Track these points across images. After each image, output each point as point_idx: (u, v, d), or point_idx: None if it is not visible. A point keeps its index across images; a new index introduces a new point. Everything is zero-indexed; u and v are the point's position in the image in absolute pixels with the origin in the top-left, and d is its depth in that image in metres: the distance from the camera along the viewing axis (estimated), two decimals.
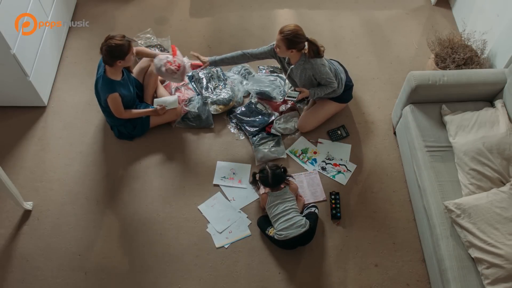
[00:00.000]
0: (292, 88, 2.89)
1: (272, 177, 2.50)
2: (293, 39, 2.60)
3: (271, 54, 2.85)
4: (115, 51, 2.58)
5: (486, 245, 2.08)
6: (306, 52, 2.71)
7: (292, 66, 2.79)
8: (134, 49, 2.79)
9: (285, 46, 2.63)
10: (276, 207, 2.50)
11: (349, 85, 2.98)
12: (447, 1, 3.81)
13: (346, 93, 2.97)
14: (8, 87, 2.92)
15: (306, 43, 2.67)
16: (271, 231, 2.50)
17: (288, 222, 2.44)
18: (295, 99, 2.78)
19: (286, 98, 2.84)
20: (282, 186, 2.56)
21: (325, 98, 2.97)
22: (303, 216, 2.50)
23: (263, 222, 2.58)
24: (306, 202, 2.70)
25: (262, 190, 2.67)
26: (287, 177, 2.60)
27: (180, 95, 3.08)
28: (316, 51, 2.68)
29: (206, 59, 2.88)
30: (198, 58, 2.90)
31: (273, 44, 2.79)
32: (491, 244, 2.07)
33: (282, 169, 2.56)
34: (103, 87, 2.68)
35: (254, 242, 2.59)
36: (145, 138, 2.99)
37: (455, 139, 2.48)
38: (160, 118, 2.95)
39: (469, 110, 2.60)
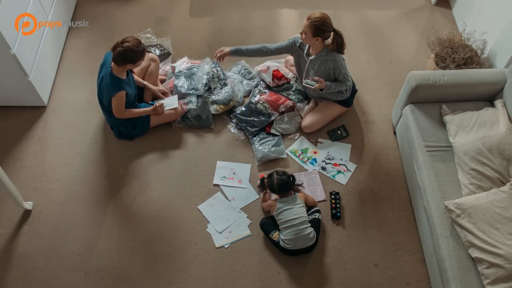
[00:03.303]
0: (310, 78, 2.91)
1: (277, 184, 2.49)
2: (320, 26, 2.62)
3: (288, 49, 2.91)
4: (128, 56, 2.59)
5: (486, 245, 2.08)
6: (329, 44, 2.74)
7: (312, 57, 2.80)
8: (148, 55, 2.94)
9: (311, 33, 2.65)
10: (284, 213, 2.47)
11: (354, 90, 3.04)
12: (447, 1, 3.81)
13: (351, 97, 3.03)
14: (8, 87, 2.92)
15: (332, 34, 2.69)
16: (275, 236, 2.49)
17: (298, 234, 2.42)
18: (313, 87, 2.77)
19: (304, 84, 2.83)
20: (292, 192, 2.55)
21: (331, 100, 2.99)
22: (309, 222, 2.49)
23: (267, 225, 2.55)
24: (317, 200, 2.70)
25: (269, 196, 2.67)
26: (296, 186, 2.60)
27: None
28: (340, 43, 2.71)
29: (228, 48, 2.97)
30: (222, 51, 2.98)
31: (293, 39, 2.85)
32: (491, 244, 2.07)
33: (291, 178, 2.54)
34: (111, 85, 2.67)
35: (254, 242, 2.59)
36: (145, 138, 2.99)
37: (455, 139, 2.48)
38: (161, 117, 2.95)
39: (469, 110, 2.60)
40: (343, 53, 2.78)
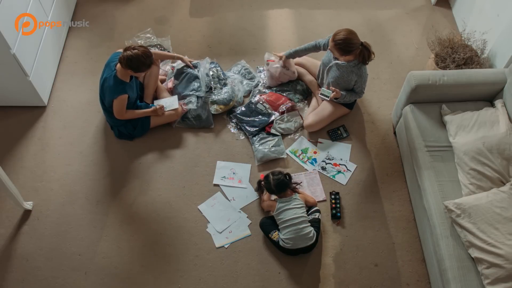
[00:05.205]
0: (325, 86, 2.94)
1: (274, 184, 2.50)
2: (345, 48, 2.66)
3: (326, 44, 2.92)
4: (133, 63, 2.60)
5: (486, 245, 2.08)
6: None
7: (338, 61, 2.81)
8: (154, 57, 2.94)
9: (338, 53, 2.72)
10: (284, 213, 2.47)
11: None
12: (447, 1, 3.81)
13: (355, 101, 3.08)
14: (8, 87, 2.92)
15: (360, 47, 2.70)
16: (275, 235, 2.50)
17: (297, 233, 2.42)
18: (328, 98, 2.80)
19: (319, 95, 2.87)
20: (291, 192, 2.56)
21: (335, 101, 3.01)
22: (309, 222, 2.49)
23: (267, 224, 2.56)
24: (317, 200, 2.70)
25: (268, 196, 2.67)
26: (294, 185, 2.61)
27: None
28: (367, 56, 2.72)
29: (282, 54, 3.08)
30: (275, 55, 3.09)
31: (332, 35, 2.84)
32: (491, 244, 2.07)
33: (287, 176, 2.56)
34: (114, 87, 2.68)
35: (254, 242, 2.59)
36: (145, 138, 2.99)
37: (455, 139, 2.48)
38: (161, 118, 2.95)
39: (469, 110, 2.60)
40: (367, 63, 2.78)
